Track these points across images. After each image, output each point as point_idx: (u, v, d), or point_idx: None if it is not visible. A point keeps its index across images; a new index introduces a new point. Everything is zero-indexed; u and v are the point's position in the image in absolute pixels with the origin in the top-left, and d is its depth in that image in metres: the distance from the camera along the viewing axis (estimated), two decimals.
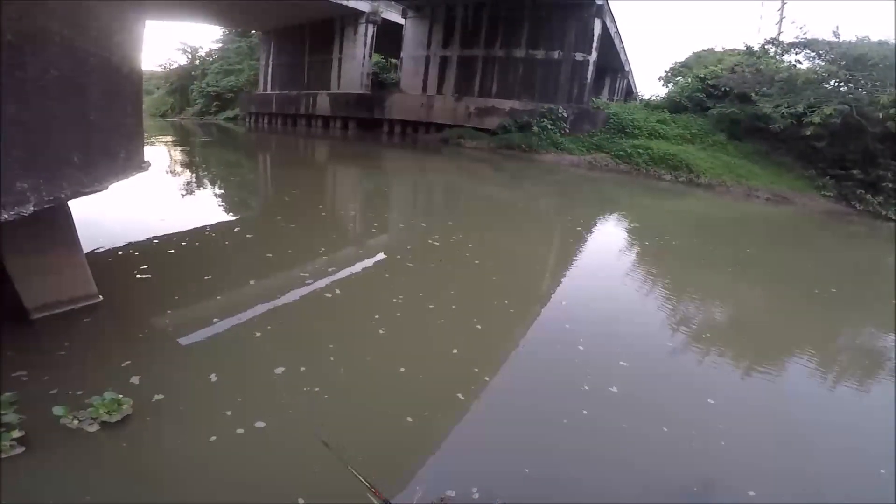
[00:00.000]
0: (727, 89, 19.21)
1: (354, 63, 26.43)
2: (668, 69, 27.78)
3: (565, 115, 19.50)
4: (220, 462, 2.49)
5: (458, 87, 23.28)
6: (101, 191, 3.03)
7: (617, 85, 41.31)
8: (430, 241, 6.77)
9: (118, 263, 4.95)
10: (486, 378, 3.47)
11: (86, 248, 4.70)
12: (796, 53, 18.39)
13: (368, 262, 5.79)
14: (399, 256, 6.14)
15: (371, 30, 25.70)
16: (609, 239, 8.42)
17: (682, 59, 29.34)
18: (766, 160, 17.18)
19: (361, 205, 9.85)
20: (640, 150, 17.46)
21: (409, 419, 2.93)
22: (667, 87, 25.65)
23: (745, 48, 21.55)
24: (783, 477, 2.75)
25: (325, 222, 7.79)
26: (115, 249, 5.24)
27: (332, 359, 3.53)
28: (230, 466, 2.46)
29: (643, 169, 16.93)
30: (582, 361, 3.74)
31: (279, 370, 3.26)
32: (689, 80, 21.82)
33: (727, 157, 17.20)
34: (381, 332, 4.02)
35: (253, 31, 34.90)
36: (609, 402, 3.26)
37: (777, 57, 19.53)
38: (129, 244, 5.43)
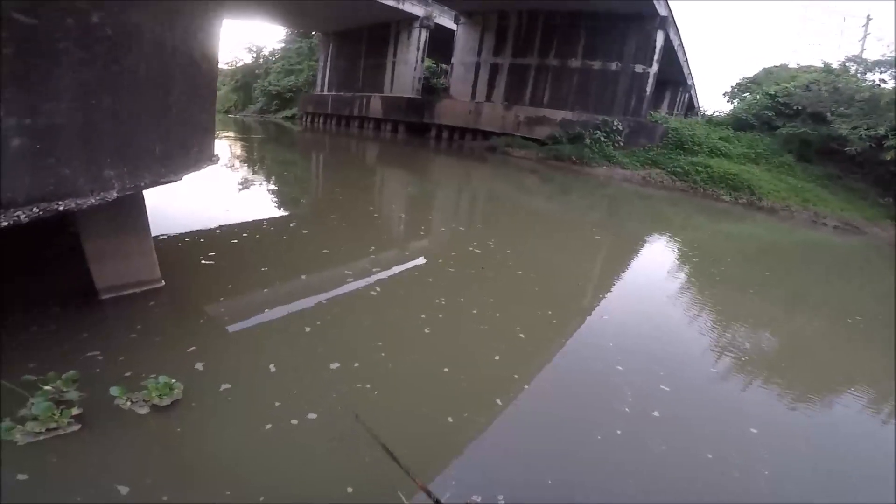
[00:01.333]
0: (799, 108, 18.08)
1: (407, 67, 26.92)
2: (734, 84, 26.56)
3: (620, 127, 18.94)
4: (273, 450, 2.54)
5: (507, 95, 23.10)
6: (176, 181, 3.17)
7: (678, 98, 39.87)
8: (473, 249, 6.74)
9: (182, 250, 5.21)
10: (525, 386, 3.46)
11: (154, 234, 5.04)
12: (881, 72, 17.14)
13: (414, 264, 5.84)
14: (443, 261, 6.13)
15: (424, 34, 26.10)
16: (657, 258, 8.08)
17: (750, 74, 27.97)
18: (837, 185, 16.06)
19: (409, 208, 9.94)
20: (699, 168, 16.67)
21: (450, 419, 2.96)
22: (732, 102, 24.54)
23: (822, 65, 20.30)
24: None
25: (375, 223, 7.95)
26: (182, 236, 5.53)
27: (382, 354, 3.60)
28: (282, 455, 2.51)
29: (701, 188, 16.15)
30: (621, 380, 3.62)
31: (334, 365, 3.34)
32: (758, 96, 20.75)
33: (794, 180, 16.18)
34: (426, 331, 4.09)
35: (314, 33, 36.16)
36: (646, 422, 3.14)
37: (859, 75, 18.24)
38: (195, 232, 5.73)
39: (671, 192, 16.06)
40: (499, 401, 3.23)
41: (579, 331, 4.56)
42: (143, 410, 2.64)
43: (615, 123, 18.96)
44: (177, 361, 3.13)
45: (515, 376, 3.57)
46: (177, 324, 3.67)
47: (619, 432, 2.98)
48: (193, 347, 3.31)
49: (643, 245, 9.01)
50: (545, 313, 4.73)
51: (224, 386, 2.95)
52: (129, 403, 2.65)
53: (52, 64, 1.94)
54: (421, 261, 6.06)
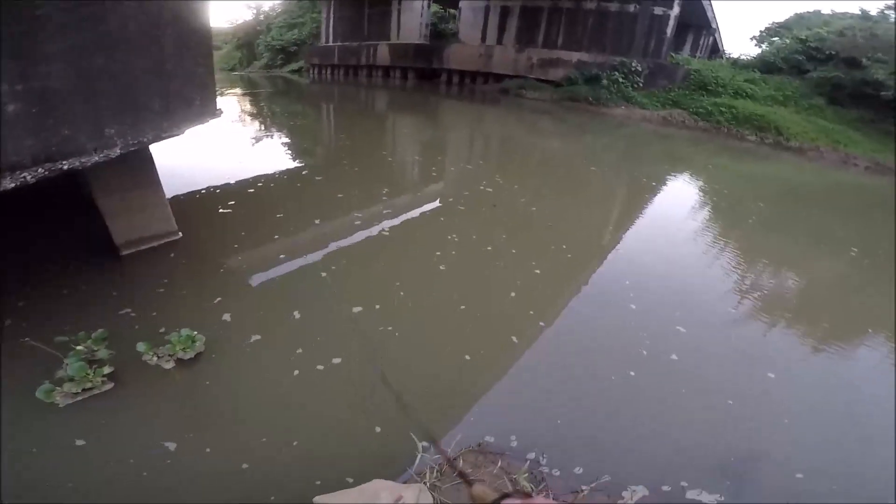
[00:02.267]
0: (832, 53, 17.10)
1: (413, 13, 25.83)
2: (763, 29, 24.97)
3: (639, 69, 18.03)
4: (302, 395, 2.64)
5: (519, 38, 22.05)
6: (178, 135, 3.14)
7: (701, 42, 37.52)
8: (485, 188, 6.71)
9: (200, 202, 5.30)
10: (541, 323, 3.48)
11: (173, 190, 5.06)
12: None
13: (427, 205, 5.88)
14: (456, 201, 6.13)
15: None
16: (677, 198, 7.88)
17: (781, 19, 26.27)
18: (870, 128, 15.21)
19: (421, 151, 9.84)
20: (723, 109, 15.90)
21: (468, 357, 3.03)
22: (760, 47, 23.10)
23: (859, 12, 19.19)
24: (836, 462, 2.54)
25: (387, 167, 7.97)
26: (200, 189, 5.63)
27: (401, 294, 3.68)
28: (310, 398, 2.61)
29: (724, 127, 15.46)
30: (637, 320, 3.61)
31: (357, 309, 3.41)
32: (788, 41, 19.60)
33: (824, 122, 15.38)
34: (441, 268, 4.17)
35: None
36: (660, 365, 3.14)
37: None
38: (212, 185, 5.81)
39: (693, 131, 15.43)
40: (514, 338, 3.28)
41: (594, 267, 4.55)
42: (169, 365, 2.73)
43: (633, 65, 18.06)
44: (205, 314, 3.23)
45: (531, 313, 3.61)
46: (199, 275, 3.74)
47: (632, 373, 2.99)
48: (219, 299, 3.40)
49: (662, 185, 8.75)
50: (560, 250, 4.74)
51: (253, 336, 3.04)
52: (155, 358, 2.73)
53: (36, 30, 1.91)
54: (434, 201, 6.08)
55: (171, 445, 2.24)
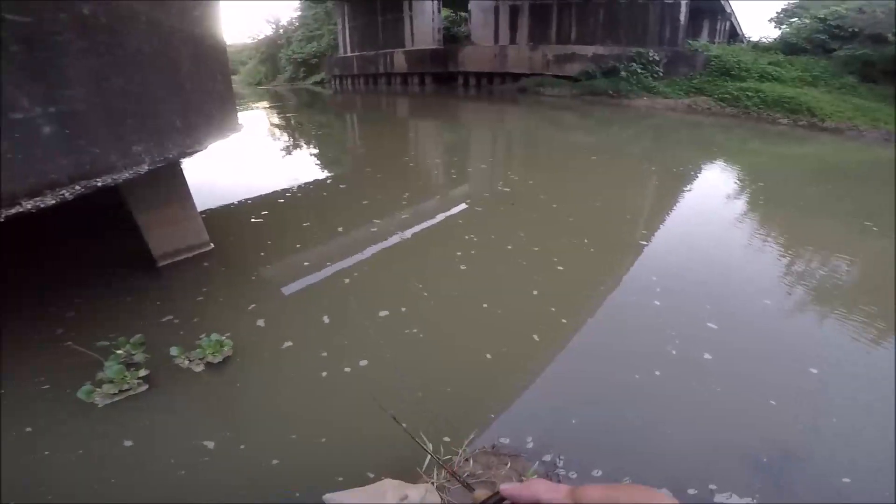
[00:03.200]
0: (855, 30, 16.37)
1: (425, 19, 26.03)
2: (780, 10, 24.10)
3: (657, 58, 17.65)
4: (330, 396, 2.70)
5: (532, 36, 21.95)
6: (201, 150, 3.27)
7: (718, 27, 36.43)
8: (507, 188, 6.71)
9: (233, 213, 5.55)
10: (564, 320, 3.43)
11: (208, 203, 5.32)
12: None
13: (450, 209, 5.91)
14: (479, 201, 6.16)
15: None
16: (710, 185, 7.61)
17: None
18: None
19: (443, 154, 9.91)
20: (750, 93, 15.34)
21: (489, 356, 3.02)
22: (779, 28, 22.32)
23: None
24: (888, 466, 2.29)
25: (410, 171, 8.09)
26: (232, 201, 5.90)
27: (425, 294, 3.74)
28: (337, 400, 2.67)
29: (754, 112, 14.92)
30: (665, 318, 3.46)
31: (383, 313, 3.47)
32: (807, 20, 18.83)
33: (859, 100, 14.62)
34: (462, 268, 4.20)
35: None
36: (688, 363, 2.99)
37: None
38: (244, 196, 6.09)
39: (720, 118, 14.93)
40: (536, 336, 3.23)
41: (619, 263, 4.44)
42: (199, 368, 2.85)
43: (651, 54, 17.69)
44: (241, 319, 3.36)
45: (552, 310, 3.56)
46: (234, 284, 3.91)
47: (657, 373, 2.87)
48: (253, 305, 3.54)
49: (694, 173, 8.48)
50: (582, 243, 4.73)
51: (286, 342, 3.13)
52: (186, 362, 2.87)
53: (58, 55, 2.03)
54: (458, 203, 6.10)
55: (211, 443, 2.33)
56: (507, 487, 0.62)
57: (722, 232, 5.36)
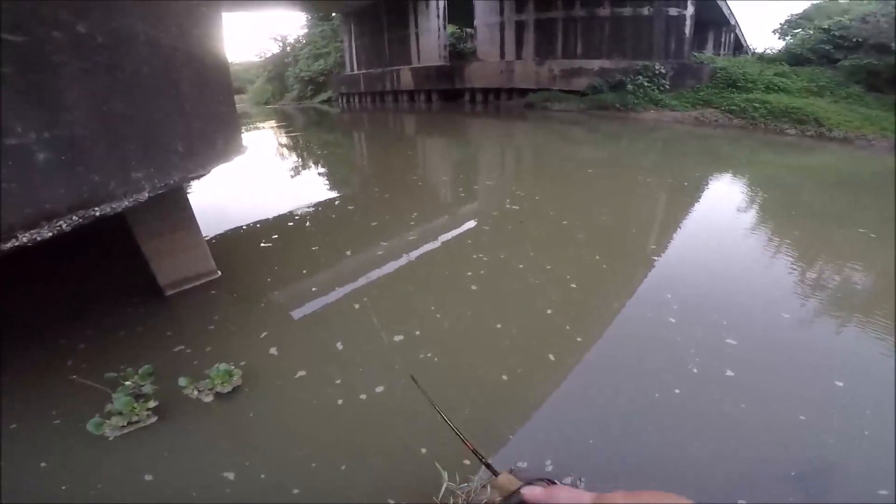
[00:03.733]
0: (859, 40, 16.40)
1: (430, 36, 26.26)
2: (783, 21, 24.21)
3: (663, 70, 17.70)
4: (346, 423, 2.65)
5: (538, 51, 22.07)
6: (204, 175, 3.22)
7: (723, 39, 36.67)
8: (514, 206, 6.61)
9: (240, 239, 5.53)
10: (579, 339, 3.36)
11: (215, 228, 5.34)
12: None
13: (460, 225, 5.88)
14: (488, 219, 6.11)
15: (441, 1, 25.38)
16: (720, 197, 7.52)
17: (798, 10, 25.44)
18: None
19: (451, 172, 9.90)
20: (756, 105, 15.30)
21: (505, 377, 2.96)
22: (783, 39, 22.43)
23: None
24: None
25: (418, 191, 8.08)
26: (239, 226, 5.89)
27: (438, 316, 3.68)
28: (354, 427, 2.62)
29: (761, 123, 14.83)
30: (681, 336, 3.36)
31: (398, 338, 3.41)
32: (811, 31, 18.96)
33: (867, 110, 14.51)
34: (473, 288, 4.15)
35: (333, 14, 35.73)
36: (707, 379, 2.89)
37: None
38: (250, 222, 6.06)
39: (728, 129, 14.84)
40: (551, 356, 3.16)
41: (633, 279, 4.34)
42: (209, 398, 2.78)
43: (657, 67, 17.76)
44: (251, 347, 3.31)
45: (567, 328, 3.50)
46: (242, 311, 3.85)
47: (677, 391, 2.78)
48: (264, 333, 3.48)
49: (705, 185, 8.38)
50: (594, 260, 4.68)
51: (299, 370, 3.08)
52: (196, 392, 2.80)
53: (53, 77, 1.97)
54: (467, 221, 6.06)
55: (231, 474, 2.30)
56: (529, 491, 0.62)
57: (735, 244, 5.26)
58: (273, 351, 3.28)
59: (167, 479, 2.28)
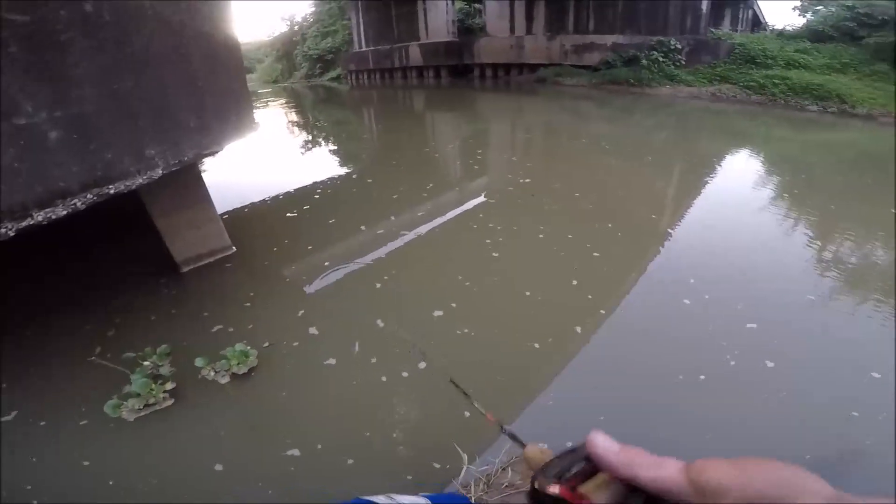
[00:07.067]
0: (885, 17, 15.67)
1: (438, 11, 25.76)
2: None
3: (679, 46, 17.14)
4: (392, 399, 2.66)
5: (549, 26, 21.44)
6: (218, 151, 3.18)
7: (741, 16, 35.30)
8: (527, 179, 6.55)
9: (255, 214, 5.55)
10: (602, 311, 3.37)
11: (230, 204, 5.37)
12: None
13: (475, 197, 5.89)
14: (501, 193, 6.09)
15: None
16: (738, 173, 7.34)
17: None
18: None
19: (466, 146, 9.83)
20: (776, 81, 14.80)
21: (536, 345, 3.01)
22: (804, 17, 21.54)
23: None
24: None
25: (434, 163, 8.13)
26: (254, 201, 5.92)
27: (473, 290, 3.70)
28: (398, 403, 2.63)
29: (781, 100, 14.38)
30: (705, 317, 3.30)
31: (438, 313, 3.42)
32: (833, 8, 18.12)
33: (892, 87, 13.99)
34: (494, 254, 4.22)
35: None
36: (739, 364, 2.84)
37: None
38: (267, 197, 6.09)
39: (746, 105, 14.41)
40: (578, 328, 3.20)
41: (649, 251, 4.33)
42: (224, 380, 2.78)
43: (672, 43, 17.18)
44: (292, 327, 3.31)
45: (589, 297, 3.56)
46: (260, 287, 3.85)
47: (702, 377, 2.73)
48: (302, 311, 3.48)
49: (721, 160, 8.19)
50: (616, 236, 4.63)
51: (355, 349, 3.08)
52: (212, 373, 2.80)
53: (62, 55, 1.93)
54: (479, 195, 6.05)
55: (219, 466, 2.27)
56: (600, 448, 0.46)
57: (754, 216, 5.16)
58: (313, 331, 3.28)
59: (178, 465, 2.28)
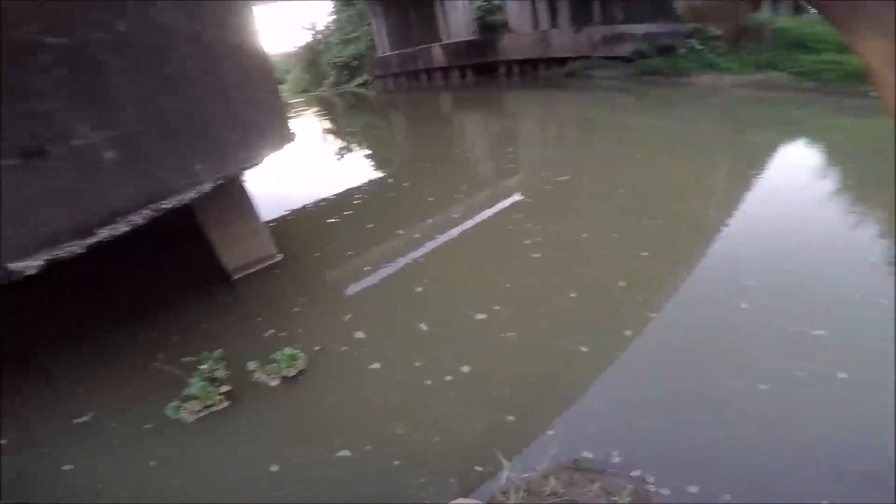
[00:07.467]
0: None
1: (457, 11, 25.65)
2: None
3: (719, 32, 16.40)
4: (433, 404, 2.65)
5: (574, 18, 20.89)
6: (258, 163, 3.25)
7: None
8: (565, 177, 6.37)
9: (298, 221, 5.70)
10: (652, 314, 3.22)
11: (276, 212, 5.56)
12: None
13: (511, 196, 5.81)
14: (538, 191, 6.00)
15: None
16: (793, 165, 6.88)
17: None
18: None
19: (497, 143, 9.80)
20: (829, 67, 13.85)
21: (584, 349, 2.92)
22: None
23: None
24: None
25: (467, 162, 8.20)
26: (296, 209, 6.06)
27: (518, 294, 3.63)
28: (441, 408, 2.61)
29: (835, 86, 13.45)
30: (761, 321, 3.06)
31: (480, 316, 3.39)
32: None
33: None
34: (536, 255, 4.15)
35: None
36: (797, 372, 2.61)
37: None
38: (308, 203, 6.27)
39: (797, 93, 13.49)
40: (628, 332, 3.07)
41: (702, 251, 4.11)
42: (275, 382, 2.87)
43: (711, 29, 16.42)
44: (338, 331, 3.37)
45: (639, 298, 3.42)
46: (310, 293, 3.93)
47: (763, 387, 2.52)
48: (349, 315, 3.54)
49: (775, 152, 7.70)
50: (664, 235, 4.45)
51: (364, 353, 3.13)
52: (264, 376, 2.89)
53: (104, 77, 1.98)
54: (521, 190, 6.02)
55: (275, 467, 2.30)
56: None
57: (812, 211, 4.78)
58: (360, 335, 3.31)
59: (236, 465, 2.34)
